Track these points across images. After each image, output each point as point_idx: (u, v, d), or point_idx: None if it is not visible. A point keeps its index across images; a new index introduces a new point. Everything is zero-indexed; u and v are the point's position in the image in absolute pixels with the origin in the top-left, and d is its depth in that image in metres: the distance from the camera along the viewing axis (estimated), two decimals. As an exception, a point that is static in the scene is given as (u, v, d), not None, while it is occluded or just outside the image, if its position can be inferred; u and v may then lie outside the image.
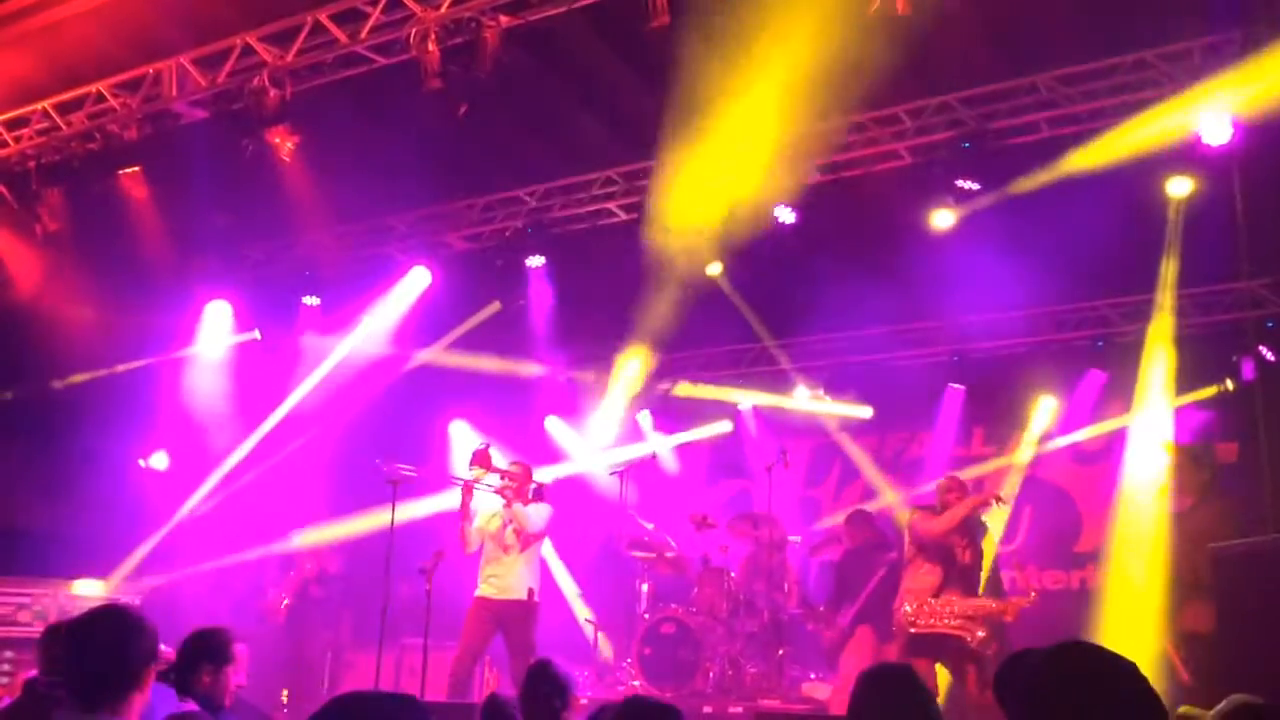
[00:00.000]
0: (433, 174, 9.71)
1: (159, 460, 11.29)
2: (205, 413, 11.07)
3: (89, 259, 9.03)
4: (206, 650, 3.59)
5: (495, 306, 10.71)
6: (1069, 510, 10.48)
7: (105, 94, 8.10)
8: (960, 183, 7.91)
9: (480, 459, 7.53)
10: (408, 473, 8.02)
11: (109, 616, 2.82)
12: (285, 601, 9.63)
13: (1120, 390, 10.01)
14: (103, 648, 2.69)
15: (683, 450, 12.45)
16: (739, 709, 8.53)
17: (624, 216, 9.37)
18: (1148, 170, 7.42)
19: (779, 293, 10.39)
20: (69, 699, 2.65)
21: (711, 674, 8.75)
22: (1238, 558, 4.70)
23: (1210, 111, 6.95)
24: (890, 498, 11.28)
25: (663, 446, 12.18)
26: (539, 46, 7.60)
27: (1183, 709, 3.14)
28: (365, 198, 9.97)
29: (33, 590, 8.93)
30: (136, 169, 8.23)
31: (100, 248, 8.99)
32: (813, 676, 9.21)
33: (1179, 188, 7.55)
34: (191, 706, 3.26)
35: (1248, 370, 8.53)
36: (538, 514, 7.61)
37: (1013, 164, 7.85)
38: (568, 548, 11.17)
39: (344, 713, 1.54)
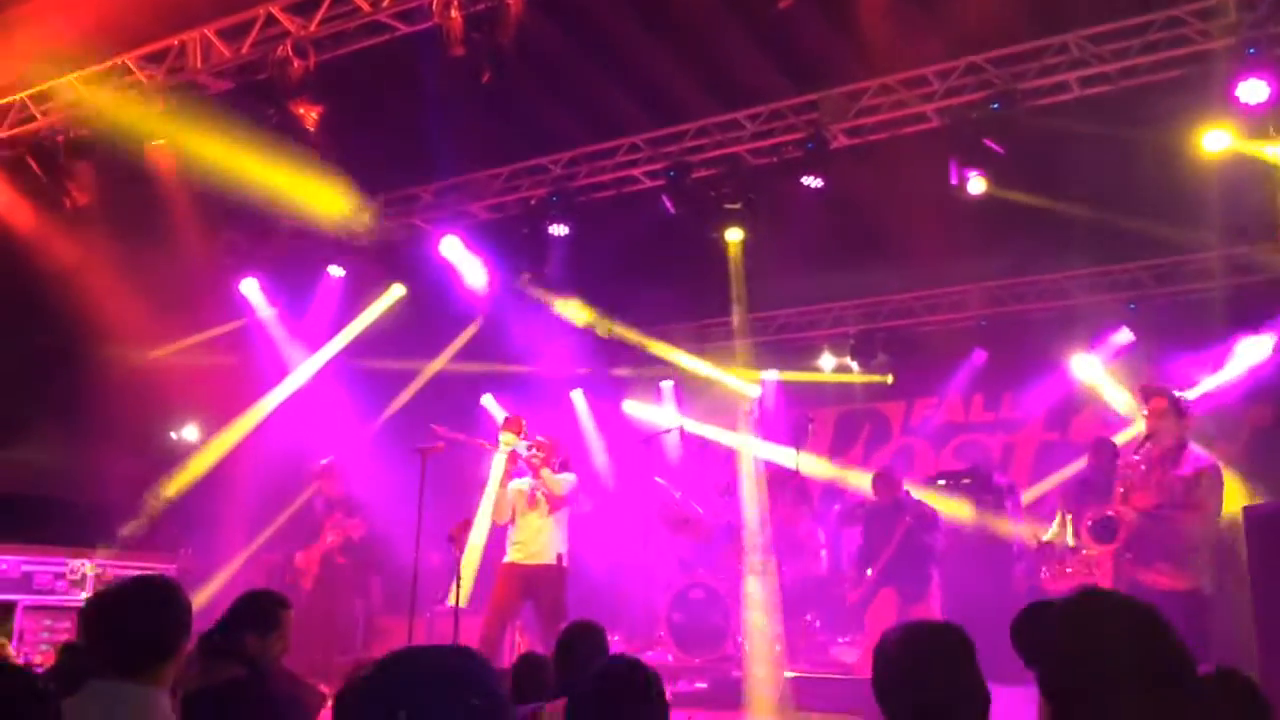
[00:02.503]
0: (456, 143, 9.71)
1: (190, 433, 11.40)
2: (237, 387, 11.17)
3: (118, 232, 9.07)
4: (253, 615, 3.59)
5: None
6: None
7: (131, 66, 8.11)
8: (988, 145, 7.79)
9: (512, 426, 7.64)
10: (445, 440, 8.06)
11: (146, 587, 2.85)
12: (313, 570, 9.71)
13: (1149, 352, 9.94)
14: (140, 618, 2.73)
15: (712, 419, 12.44)
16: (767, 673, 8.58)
17: (649, 184, 9.32)
18: (1184, 128, 7.28)
19: (803, 259, 10.33)
20: (104, 666, 2.69)
21: (740, 639, 8.79)
22: (1273, 515, 4.65)
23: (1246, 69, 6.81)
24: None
25: (688, 419, 12.19)
26: (562, 12, 7.57)
27: None
28: (389, 168, 9.98)
29: (70, 560, 9.04)
30: (164, 141, 8.26)
31: (129, 221, 9.03)
32: (841, 640, 9.23)
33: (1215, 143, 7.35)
34: (239, 672, 3.28)
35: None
36: (565, 481, 7.72)
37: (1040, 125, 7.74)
38: (597, 514, 11.21)
39: (406, 665, 1.53)
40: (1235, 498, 6.42)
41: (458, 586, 7.41)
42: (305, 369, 11.35)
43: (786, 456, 10.88)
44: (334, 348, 11.35)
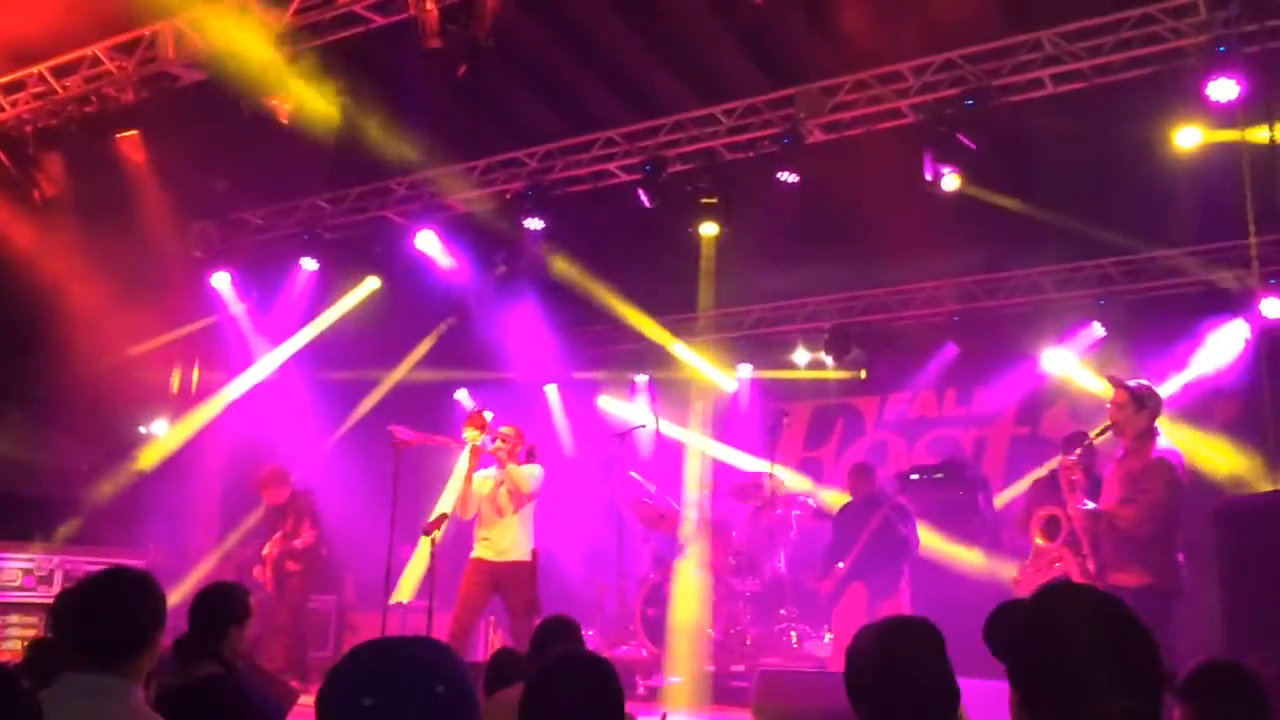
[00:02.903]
0: (431, 136, 9.67)
1: (159, 427, 11.29)
2: (206, 380, 11.08)
3: (88, 225, 8.98)
4: (231, 609, 3.53)
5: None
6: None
7: (101, 56, 8.02)
8: (962, 141, 7.83)
9: (475, 420, 7.54)
10: (407, 436, 8.06)
11: (119, 579, 2.82)
12: (268, 578, 9.54)
13: (1120, 347, 10.03)
14: (114, 610, 2.70)
15: (686, 414, 12.47)
16: (741, 667, 8.62)
17: (625, 178, 9.31)
18: (1155, 125, 7.34)
19: (777, 254, 10.36)
20: (78, 659, 2.66)
21: (714, 633, 8.82)
22: (1243, 512, 4.71)
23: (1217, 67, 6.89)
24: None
25: (662, 413, 12.20)
26: (538, 5, 7.55)
27: None
28: (363, 160, 9.92)
29: (35, 555, 8.95)
30: (134, 133, 8.17)
31: (99, 213, 8.94)
32: (814, 635, 9.27)
33: (1188, 139, 7.42)
34: (213, 669, 3.24)
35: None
36: (531, 474, 7.54)
37: (1014, 121, 7.80)
38: (571, 509, 11.23)
39: (377, 656, 1.53)
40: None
41: (432, 581, 7.38)
42: (273, 358, 11.21)
43: (745, 459, 10.99)
44: (305, 336, 11.22)
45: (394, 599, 7.44)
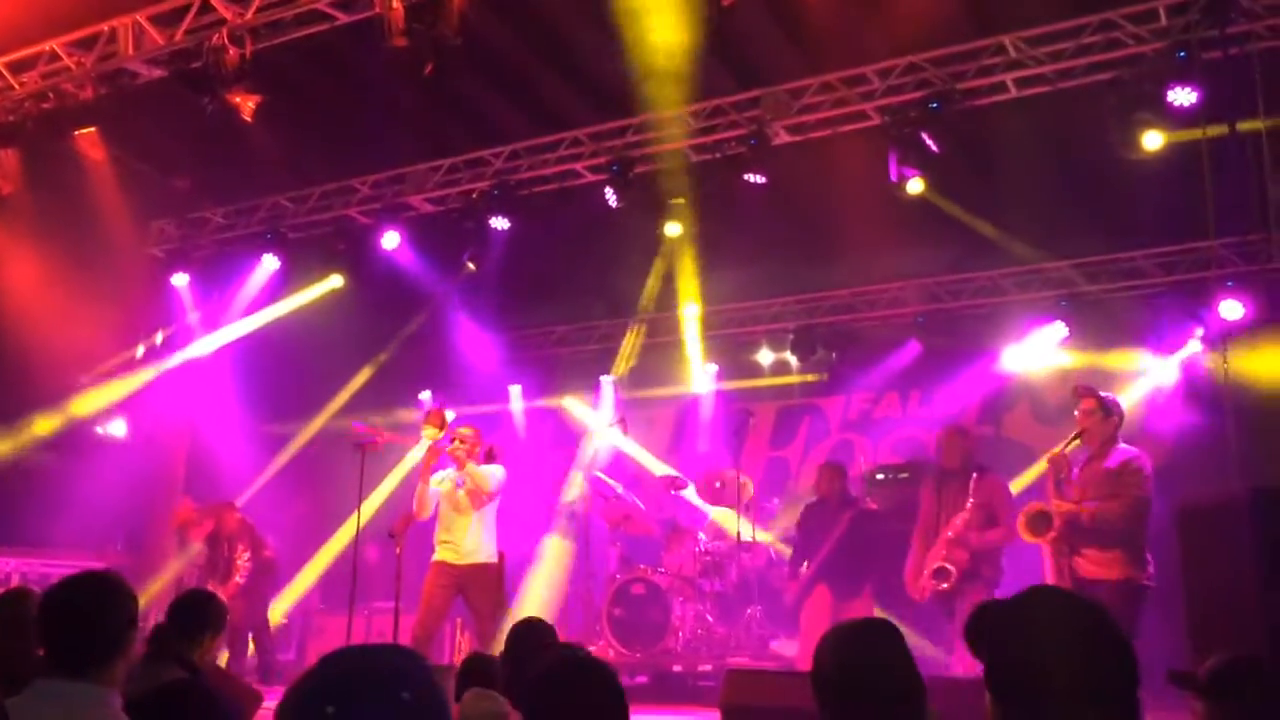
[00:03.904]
0: (396, 135, 9.61)
1: (117, 427, 11.12)
2: (164, 385, 10.92)
3: (44, 223, 8.84)
4: (208, 618, 3.46)
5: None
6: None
7: (59, 52, 7.90)
8: (927, 143, 7.89)
9: (433, 419, 7.42)
10: (371, 435, 8.02)
11: (89, 582, 2.77)
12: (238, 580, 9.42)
13: (1080, 348, 10.16)
14: (85, 614, 2.64)
15: (650, 414, 12.47)
16: (708, 667, 8.62)
17: (591, 178, 9.30)
18: (1117, 128, 7.42)
19: (740, 255, 10.39)
20: (52, 667, 2.60)
21: (681, 634, 8.82)
22: (1204, 510, 4.78)
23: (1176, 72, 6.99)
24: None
25: (629, 411, 12.20)
26: (505, 5, 7.51)
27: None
28: (327, 159, 9.85)
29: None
30: (93, 129, 8.05)
31: (56, 211, 8.81)
32: (781, 634, 9.30)
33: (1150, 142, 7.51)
34: (179, 674, 3.19)
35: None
36: (491, 474, 7.40)
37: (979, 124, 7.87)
38: (535, 510, 11.20)
39: (340, 665, 1.51)
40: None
41: (398, 584, 7.30)
42: (223, 334, 11.00)
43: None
44: (261, 319, 11.00)
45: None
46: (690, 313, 11.62)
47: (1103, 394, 6.16)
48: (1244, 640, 4.18)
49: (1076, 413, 6.15)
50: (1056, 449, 6.17)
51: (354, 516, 7.71)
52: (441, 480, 7.48)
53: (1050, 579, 5.86)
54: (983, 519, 6.81)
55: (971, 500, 6.76)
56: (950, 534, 6.77)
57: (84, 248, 9.20)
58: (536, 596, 10.06)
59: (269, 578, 9.56)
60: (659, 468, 11.40)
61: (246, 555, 9.16)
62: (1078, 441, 6.10)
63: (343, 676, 1.47)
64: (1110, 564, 5.73)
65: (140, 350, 10.74)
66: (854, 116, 8.35)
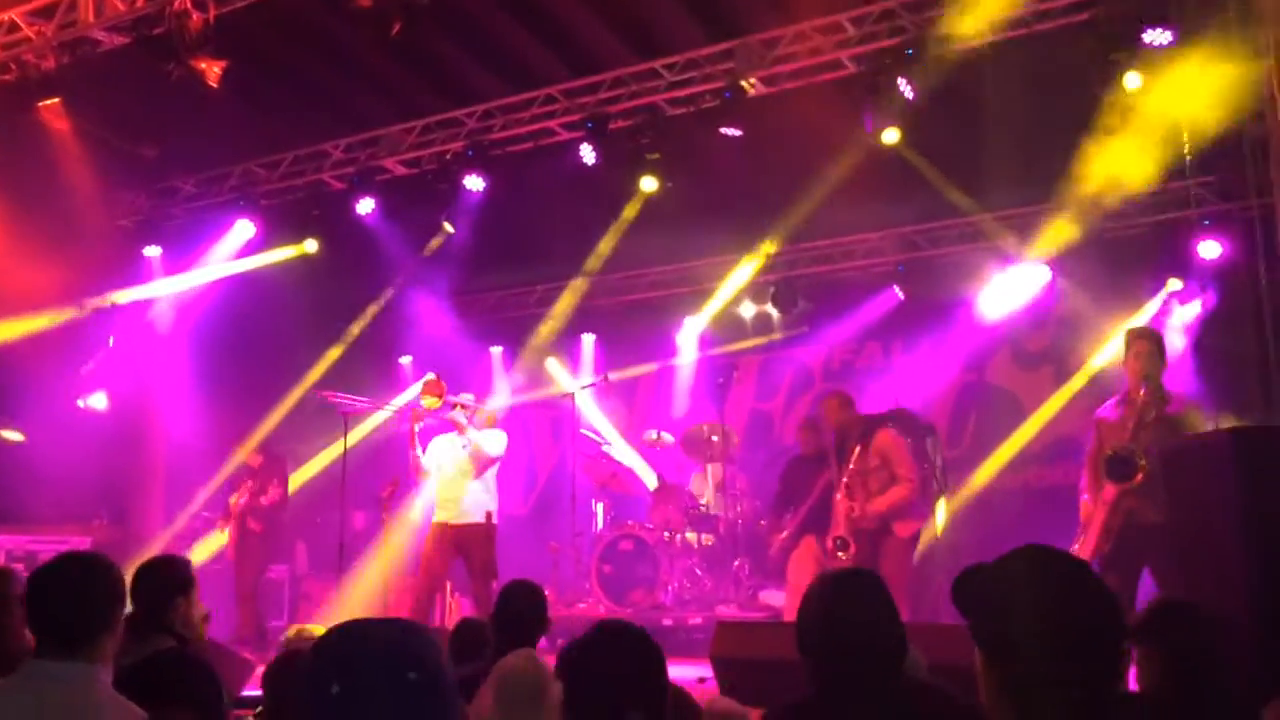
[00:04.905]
0: (367, 97, 9.48)
1: (98, 400, 11.03)
2: (145, 355, 10.83)
3: (10, 196, 8.70)
4: (173, 579, 3.42)
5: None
6: (1017, 413, 10.63)
7: (18, 22, 7.73)
8: (903, 91, 7.83)
9: (432, 388, 7.56)
10: (352, 403, 8.06)
11: (73, 561, 2.77)
12: (226, 533, 9.60)
13: (1063, 291, 10.18)
14: (71, 593, 2.65)
15: (633, 371, 12.45)
16: (698, 619, 8.71)
17: (566, 135, 9.20)
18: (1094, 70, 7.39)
19: (725, 206, 10.32)
20: (43, 646, 2.61)
21: (671, 588, 8.89)
22: (1188, 450, 4.81)
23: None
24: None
25: (611, 369, 12.19)
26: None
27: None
28: (298, 124, 9.71)
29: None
30: (56, 100, 7.90)
31: (21, 184, 8.67)
32: (768, 585, 9.38)
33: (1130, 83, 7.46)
34: (166, 643, 3.18)
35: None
36: (492, 438, 7.68)
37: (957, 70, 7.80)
38: (524, 469, 11.22)
39: (344, 641, 1.50)
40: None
41: (386, 548, 7.36)
42: (193, 297, 10.82)
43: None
44: (234, 269, 10.78)
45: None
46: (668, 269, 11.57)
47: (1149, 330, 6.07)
48: (1224, 571, 4.23)
49: (1129, 356, 5.77)
50: (1137, 394, 5.70)
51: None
52: (444, 445, 7.70)
53: (1096, 527, 5.59)
54: (886, 479, 7.07)
55: (872, 462, 7.08)
56: (854, 512, 7.06)
57: (51, 221, 9.06)
58: (522, 558, 10.10)
59: (278, 530, 9.70)
60: (643, 423, 11.42)
61: (279, 492, 9.53)
62: (1145, 387, 5.65)
63: (348, 656, 1.46)
64: (1161, 509, 5.32)
65: (88, 306, 10.54)
66: (829, 66, 8.27)
